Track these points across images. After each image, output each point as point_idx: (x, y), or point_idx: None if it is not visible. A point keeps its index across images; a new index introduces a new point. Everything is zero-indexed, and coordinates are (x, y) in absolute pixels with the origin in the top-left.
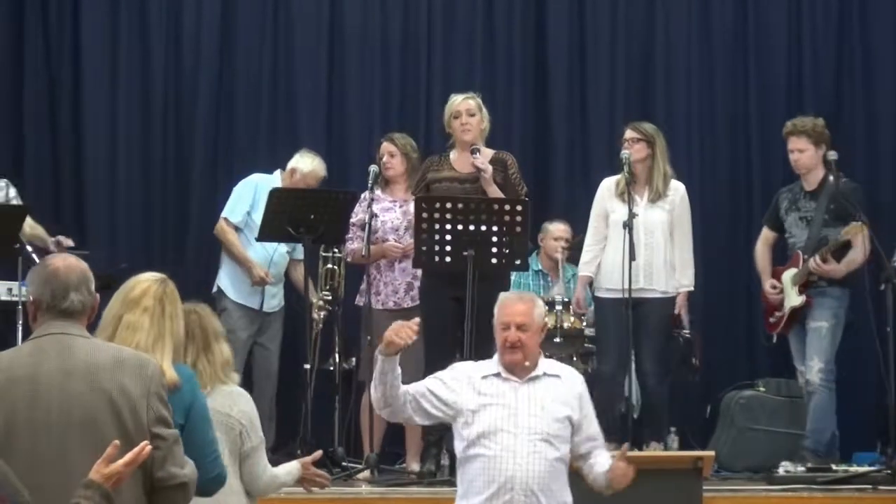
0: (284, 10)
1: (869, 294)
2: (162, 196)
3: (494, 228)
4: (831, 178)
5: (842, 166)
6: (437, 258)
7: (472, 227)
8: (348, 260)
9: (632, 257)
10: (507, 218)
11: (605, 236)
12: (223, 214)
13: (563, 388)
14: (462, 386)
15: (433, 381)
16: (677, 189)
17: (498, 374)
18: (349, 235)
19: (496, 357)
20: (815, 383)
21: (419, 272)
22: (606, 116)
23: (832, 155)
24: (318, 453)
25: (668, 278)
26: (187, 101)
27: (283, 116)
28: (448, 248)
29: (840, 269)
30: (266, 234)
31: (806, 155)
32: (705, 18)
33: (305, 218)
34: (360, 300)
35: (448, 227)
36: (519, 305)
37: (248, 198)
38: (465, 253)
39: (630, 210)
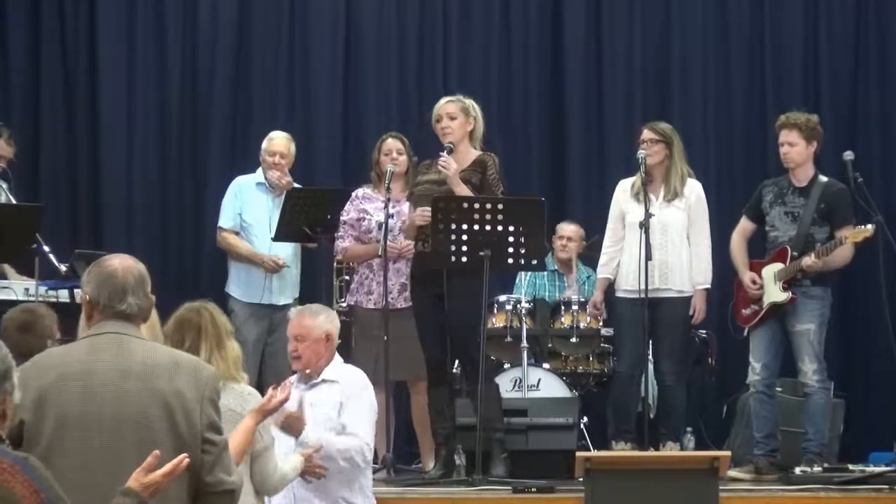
0: (301, 8)
1: (885, 293)
2: (178, 196)
3: (511, 228)
4: (852, 176)
5: (858, 164)
6: (453, 258)
7: (488, 228)
8: (339, 258)
9: (648, 257)
10: (523, 218)
11: (623, 237)
12: (218, 224)
13: (333, 392)
14: None
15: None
16: (693, 188)
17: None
18: (339, 234)
19: None
20: (814, 385)
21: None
22: (623, 117)
23: (848, 155)
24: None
25: (684, 277)
26: (204, 101)
27: (300, 115)
28: (464, 248)
29: (836, 260)
30: (283, 234)
31: (796, 149)
32: (722, 18)
33: (322, 217)
34: (350, 300)
35: (464, 227)
36: (297, 318)
37: (234, 201)
38: (482, 253)
39: (646, 210)
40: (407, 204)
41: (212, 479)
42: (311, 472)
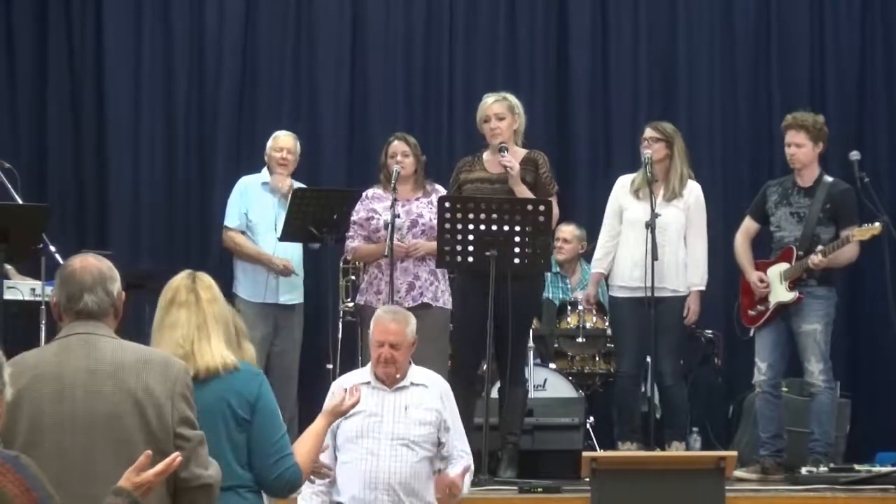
0: (307, 9)
1: (891, 293)
2: (185, 196)
3: (517, 229)
4: (859, 177)
5: (864, 164)
6: (459, 258)
7: (494, 228)
8: (348, 258)
9: (654, 257)
10: (530, 218)
11: (619, 233)
12: (224, 224)
13: (427, 396)
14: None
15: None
16: (692, 189)
17: (368, 383)
18: (349, 234)
19: (370, 366)
20: (820, 385)
21: (420, 272)
22: (629, 118)
23: (854, 155)
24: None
25: (679, 277)
26: (210, 101)
27: (306, 116)
28: (471, 248)
29: (842, 258)
30: (289, 234)
31: (803, 150)
32: (727, 17)
33: (328, 218)
34: (360, 299)
35: (471, 227)
36: (392, 325)
37: (240, 200)
38: (488, 253)
39: (653, 210)
40: (415, 203)
41: (187, 475)
42: (316, 472)
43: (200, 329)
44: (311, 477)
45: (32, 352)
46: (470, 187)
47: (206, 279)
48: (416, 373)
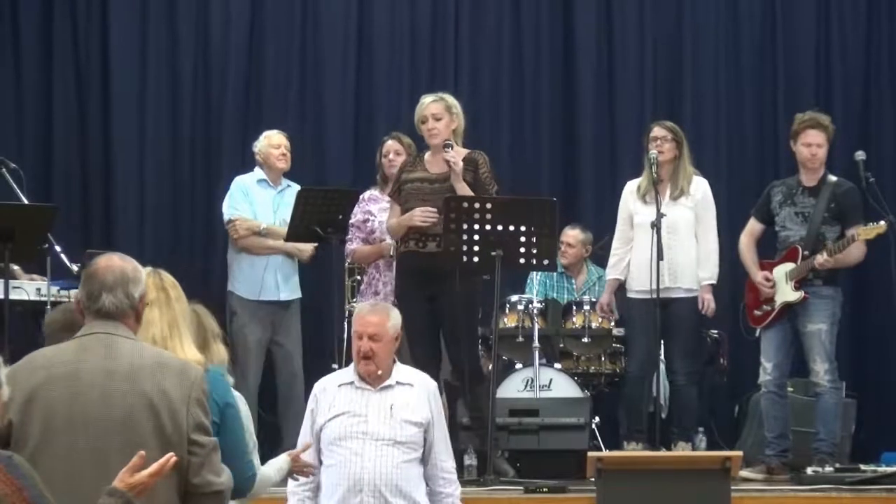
0: (312, 10)
1: None
2: (190, 196)
3: (522, 229)
4: (864, 177)
5: (870, 164)
6: (465, 258)
7: (500, 228)
8: (348, 260)
9: (660, 257)
10: (534, 218)
11: (631, 238)
12: (231, 216)
13: (414, 395)
14: (319, 404)
15: (307, 434)
16: (699, 185)
17: (352, 383)
18: (348, 236)
19: (352, 366)
20: (826, 385)
21: None
22: (634, 117)
23: (860, 155)
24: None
25: (693, 276)
26: (215, 102)
27: (312, 116)
28: (476, 248)
29: (848, 258)
30: (294, 234)
31: (823, 150)
32: (733, 17)
33: (333, 218)
34: (360, 300)
35: (476, 227)
36: (372, 317)
37: (244, 196)
38: (494, 253)
39: (658, 210)
40: None
41: (199, 481)
42: (299, 471)
43: (172, 328)
44: (295, 475)
45: (49, 349)
46: (409, 187)
47: (169, 277)
48: (402, 371)
